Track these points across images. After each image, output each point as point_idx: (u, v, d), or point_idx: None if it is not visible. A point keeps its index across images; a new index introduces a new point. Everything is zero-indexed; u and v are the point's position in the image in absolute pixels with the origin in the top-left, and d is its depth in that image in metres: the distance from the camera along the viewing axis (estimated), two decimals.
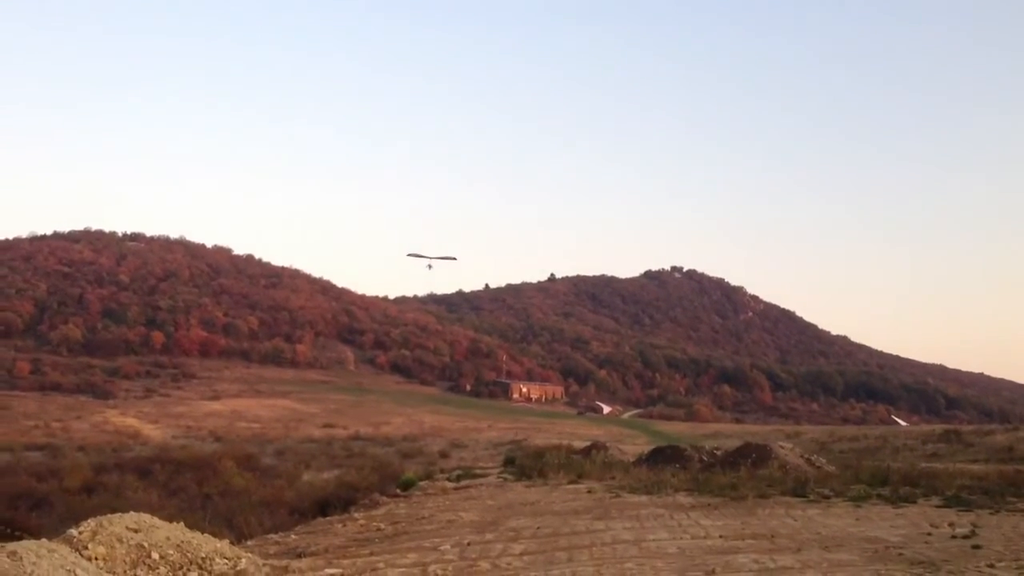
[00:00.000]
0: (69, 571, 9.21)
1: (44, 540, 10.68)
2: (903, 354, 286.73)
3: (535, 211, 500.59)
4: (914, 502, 17.78)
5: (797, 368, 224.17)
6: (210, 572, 11.58)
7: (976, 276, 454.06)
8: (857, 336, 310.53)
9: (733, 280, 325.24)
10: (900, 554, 11.34)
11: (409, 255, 62.89)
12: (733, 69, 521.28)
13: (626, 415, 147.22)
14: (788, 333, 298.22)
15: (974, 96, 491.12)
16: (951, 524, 14.11)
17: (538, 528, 15.49)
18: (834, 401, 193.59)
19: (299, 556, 13.81)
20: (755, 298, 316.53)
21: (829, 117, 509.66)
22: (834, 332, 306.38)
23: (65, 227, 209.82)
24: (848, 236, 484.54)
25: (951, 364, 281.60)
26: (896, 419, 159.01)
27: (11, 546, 9.48)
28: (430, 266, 59.96)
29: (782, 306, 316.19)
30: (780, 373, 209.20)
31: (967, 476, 22.39)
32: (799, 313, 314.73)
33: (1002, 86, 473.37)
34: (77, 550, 10.65)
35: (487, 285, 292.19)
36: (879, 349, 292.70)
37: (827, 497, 18.97)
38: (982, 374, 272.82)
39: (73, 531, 11.42)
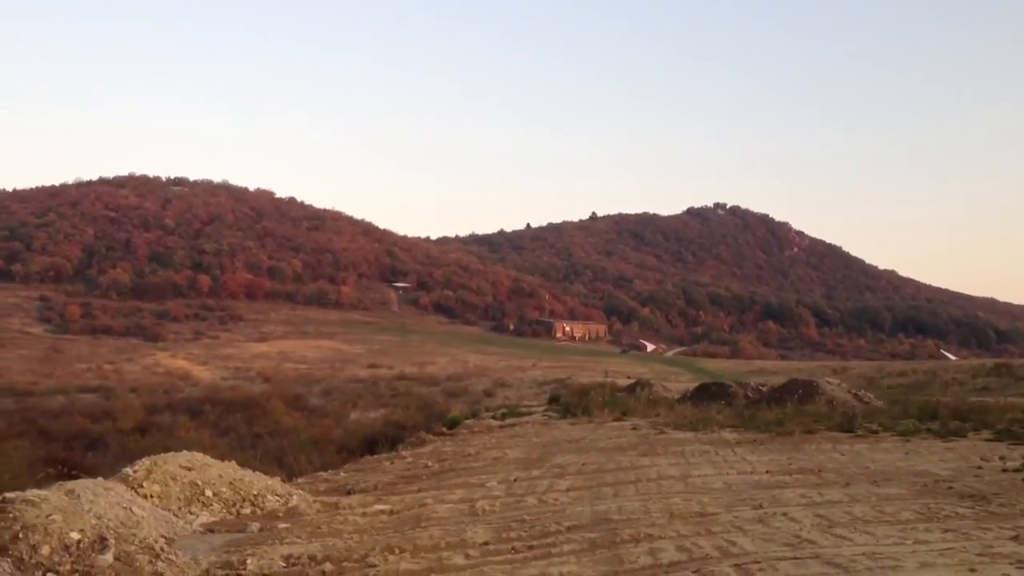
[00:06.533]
0: (125, 508, 9.41)
1: (100, 479, 10.94)
2: (952, 287, 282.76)
3: (576, 149, 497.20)
4: (964, 436, 17.57)
5: (843, 303, 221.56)
6: (262, 509, 11.80)
7: None
8: (905, 270, 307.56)
9: (778, 216, 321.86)
10: (950, 487, 11.22)
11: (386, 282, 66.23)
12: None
13: (670, 353, 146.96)
14: (834, 268, 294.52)
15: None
16: (1002, 457, 13.93)
17: (583, 464, 15.56)
18: (881, 336, 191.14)
19: (348, 493, 14.02)
20: (800, 233, 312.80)
21: (875, 47, 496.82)
22: (881, 267, 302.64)
23: (110, 173, 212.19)
24: (895, 169, 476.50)
25: (1002, 297, 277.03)
26: (945, 353, 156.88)
27: (69, 484, 9.71)
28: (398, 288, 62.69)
29: (828, 241, 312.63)
30: (826, 309, 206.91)
31: (1018, 410, 22.04)
32: (845, 248, 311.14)
33: None
34: (133, 488, 10.89)
35: (528, 224, 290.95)
36: (927, 283, 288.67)
37: (875, 432, 18.80)
38: None
39: (128, 470, 11.69)
